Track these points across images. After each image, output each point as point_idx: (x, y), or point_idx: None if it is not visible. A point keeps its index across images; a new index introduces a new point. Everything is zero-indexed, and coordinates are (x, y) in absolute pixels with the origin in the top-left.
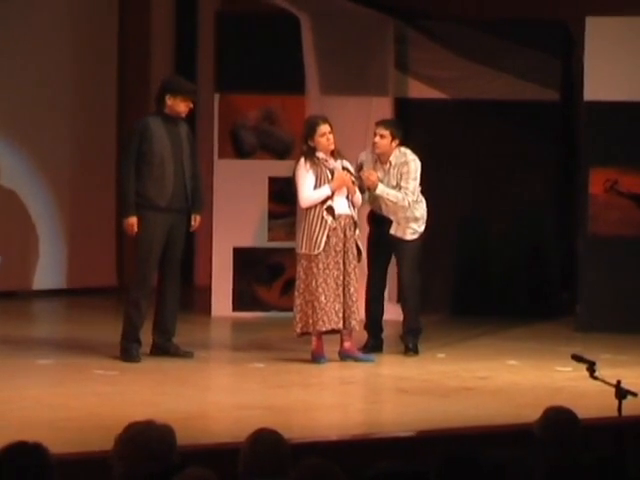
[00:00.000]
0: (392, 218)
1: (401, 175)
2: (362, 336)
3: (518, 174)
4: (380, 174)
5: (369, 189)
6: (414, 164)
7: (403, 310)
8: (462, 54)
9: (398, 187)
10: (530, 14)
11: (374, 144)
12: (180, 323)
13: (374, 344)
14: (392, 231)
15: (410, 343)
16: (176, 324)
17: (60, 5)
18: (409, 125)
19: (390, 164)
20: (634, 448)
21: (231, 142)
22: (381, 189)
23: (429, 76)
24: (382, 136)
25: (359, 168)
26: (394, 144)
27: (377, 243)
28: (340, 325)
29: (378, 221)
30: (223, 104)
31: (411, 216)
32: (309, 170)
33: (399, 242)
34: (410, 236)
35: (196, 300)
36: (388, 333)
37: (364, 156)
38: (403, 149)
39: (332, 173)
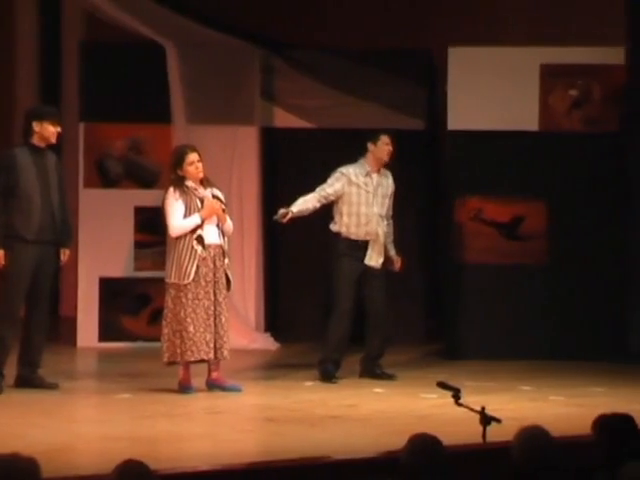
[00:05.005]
0: (371, 247)
1: (388, 188)
2: (230, 365)
3: None
4: (372, 186)
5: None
6: None
7: (373, 337)
8: (328, 83)
9: (388, 197)
10: (396, 44)
11: (389, 155)
12: (45, 354)
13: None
14: (366, 261)
15: (383, 369)
16: (42, 356)
17: None
18: (275, 154)
19: (380, 172)
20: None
21: (97, 171)
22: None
23: (295, 105)
24: (390, 144)
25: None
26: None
27: (351, 274)
28: (211, 355)
29: (349, 251)
30: (88, 133)
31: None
32: (178, 199)
33: (372, 271)
34: (380, 264)
35: (61, 331)
36: (255, 362)
37: (345, 169)
38: None
39: (202, 202)
